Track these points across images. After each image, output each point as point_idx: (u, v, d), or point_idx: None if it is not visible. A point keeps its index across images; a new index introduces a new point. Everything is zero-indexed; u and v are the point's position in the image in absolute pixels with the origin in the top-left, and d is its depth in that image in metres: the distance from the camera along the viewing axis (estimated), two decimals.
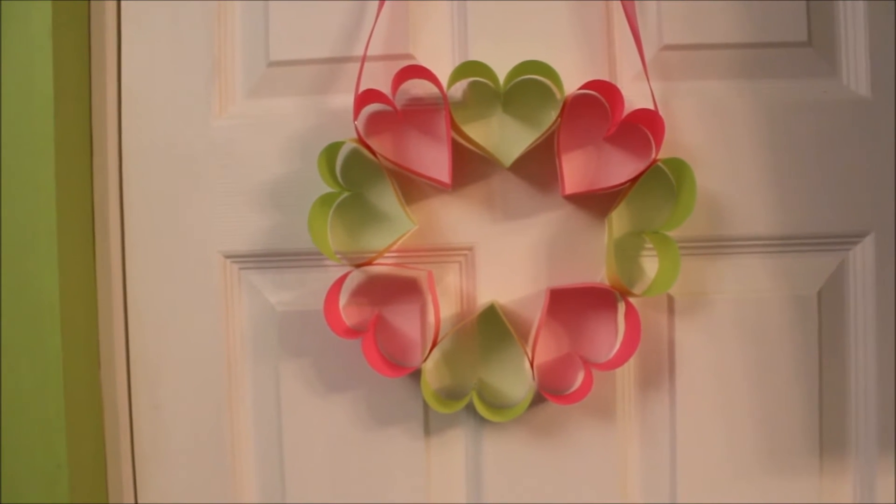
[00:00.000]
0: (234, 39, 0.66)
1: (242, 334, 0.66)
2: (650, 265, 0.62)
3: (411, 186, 0.64)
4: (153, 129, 0.66)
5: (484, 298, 0.64)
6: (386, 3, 0.62)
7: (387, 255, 0.63)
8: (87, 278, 0.66)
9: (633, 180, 0.59)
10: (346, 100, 0.62)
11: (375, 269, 0.64)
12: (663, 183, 0.61)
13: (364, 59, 0.60)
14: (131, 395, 0.67)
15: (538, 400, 0.63)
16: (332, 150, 0.59)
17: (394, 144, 0.63)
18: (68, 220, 0.63)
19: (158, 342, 0.66)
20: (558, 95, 0.61)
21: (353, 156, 0.63)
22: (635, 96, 0.61)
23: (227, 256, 0.65)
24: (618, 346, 0.62)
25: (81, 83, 0.66)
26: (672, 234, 0.58)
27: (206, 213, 0.65)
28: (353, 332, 0.62)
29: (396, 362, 0.64)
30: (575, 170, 0.62)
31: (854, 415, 0.63)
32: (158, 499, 0.67)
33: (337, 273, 0.61)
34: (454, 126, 0.61)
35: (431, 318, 0.63)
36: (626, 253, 0.62)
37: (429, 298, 0.63)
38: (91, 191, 0.66)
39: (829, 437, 0.63)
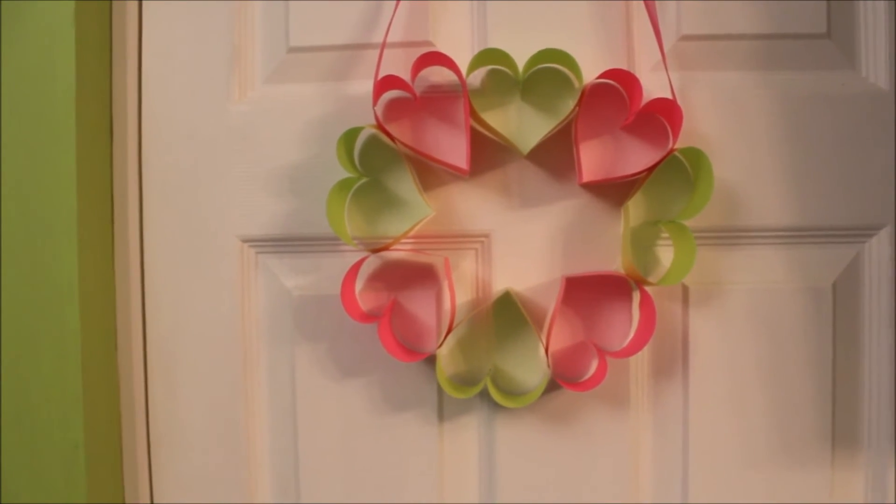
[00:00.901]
0: (254, 25, 0.66)
1: (258, 318, 0.66)
2: (665, 254, 0.62)
3: (429, 173, 0.64)
4: (173, 114, 0.66)
5: (499, 285, 0.64)
6: None
7: (403, 241, 0.63)
8: (105, 261, 0.66)
9: (650, 169, 0.59)
10: (366, 86, 0.62)
11: (392, 255, 0.64)
12: (680, 173, 0.61)
13: (384, 45, 0.60)
14: (147, 377, 0.68)
15: (552, 387, 0.63)
16: (350, 136, 0.59)
17: (412, 131, 0.63)
18: (88, 203, 0.63)
19: (175, 325, 0.67)
20: (576, 84, 0.61)
21: (372, 142, 0.63)
22: (653, 86, 0.61)
23: (245, 241, 0.66)
24: (632, 334, 0.62)
25: (102, 68, 0.66)
26: (688, 223, 0.58)
27: (224, 198, 0.65)
28: (369, 316, 0.62)
29: (411, 348, 0.64)
30: (592, 158, 0.62)
31: (867, 407, 0.63)
32: (173, 480, 0.68)
33: (353, 258, 0.61)
34: (472, 113, 0.61)
35: (447, 304, 0.63)
36: (642, 242, 0.62)
37: (445, 285, 0.63)
38: (111, 174, 0.67)
39: (841, 430, 0.63)
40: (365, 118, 0.62)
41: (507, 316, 0.63)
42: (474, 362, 0.64)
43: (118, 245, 0.67)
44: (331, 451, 0.66)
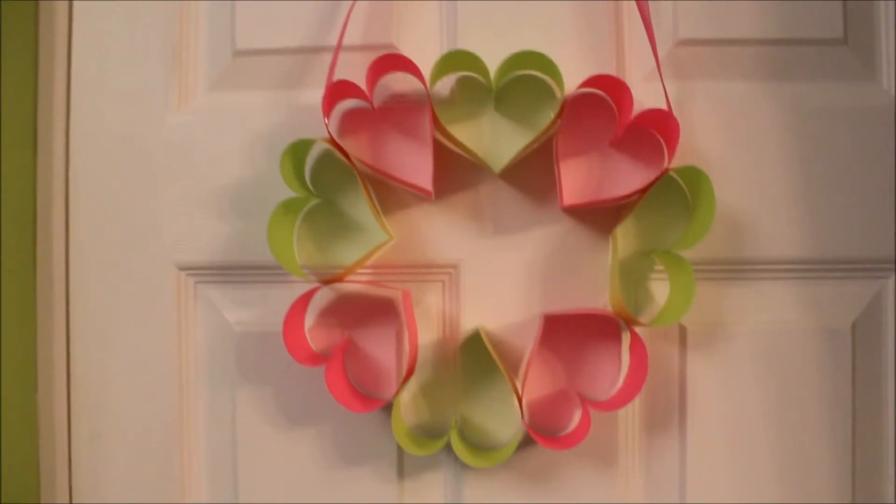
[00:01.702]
0: (196, 25, 0.61)
1: (196, 356, 0.61)
2: (660, 290, 0.57)
3: (389, 194, 0.59)
4: (104, 124, 0.61)
5: (469, 324, 0.59)
6: None
7: (359, 271, 0.58)
8: (24, 289, 0.61)
9: (642, 192, 0.54)
10: (320, 94, 0.57)
11: (347, 287, 0.58)
12: (676, 195, 0.57)
13: (338, 48, 0.55)
14: (70, 424, 0.62)
15: (527, 442, 0.57)
16: (298, 149, 0.54)
17: (370, 146, 0.58)
18: (6, 222, 0.59)
19: (102, 363, 0.61)
20: (558, 94, 0.56)
21: (325, 157, 0.58)
22: (646, 98, 0.56)
23: (182, 268, 0.61)
24: (621, 382, 0.57)
25: (26, 69, 0.61)
26: (686, 254, 0.53)
27: (159, 219, 0.61)
28: (318, 358, 0.56)
29: (367, 394, 0.58)
30: (576, 179, 0.57)
31: (893, 467, 0.58)
32: None
33: (304, 290, 0.56)
34: (438, 126, 0.55)
35: (408, 344, 0.58)
36: (633, 275, 0.58)
37: (405, 322, 0.58)
38: (34, 191, 0.62)
39: (862, 494, 0.58)
40: (319, 131, 0.57)
41: (476, 359, 0.58)
42: (439, 412, 0.59)
43: (40, 271, 0.62)
44: None
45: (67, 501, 0.62)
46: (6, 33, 0.58)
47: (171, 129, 0.60)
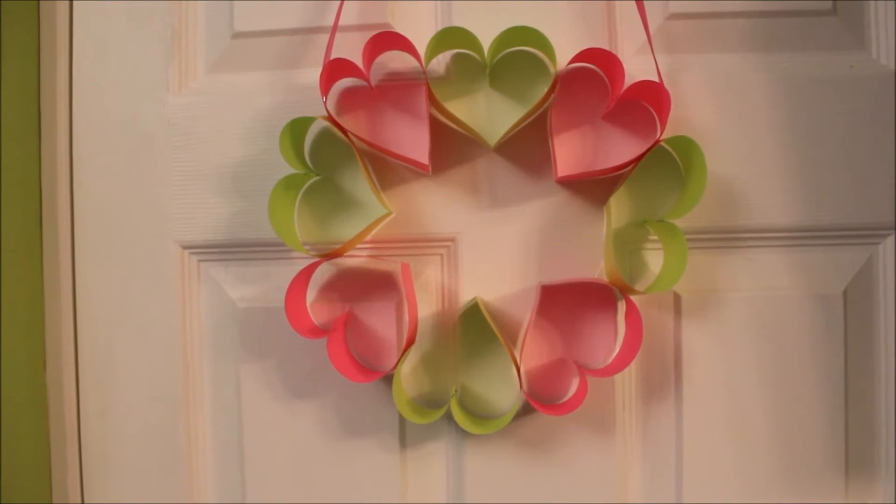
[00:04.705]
0: (195, 7, 0.61)
1: (201, 333, 0.61)
2: (654, 259, 0.57)
3: (387, 170, 0.59)
4: (106, 106, 0.61)
5: (467, 295, 0.59)
6: None
7: (359, 245, 0.58)
8: (32, 270, 0.61)
9: (635, 162, 0.54)
10: (317, 74, 0.57)
11: (347, 262, 0.59)
12: (669, 166, 0.56)
13: (335, 29, 0.55)
14: (79, 399, 0.62)
15: (526, 410, 0.58)
16: (297, 127, 0.54)
17: (368, 123, 0.58)
18: (11, 205, 0.59)
19: (109, 341, 0.62)
20: (551, 69, 0.56)
21: (324, 135, 0.58)
22: (638, 72, 0.56)
23: (185, 247, 0.61)
24: (617, 349, 0.57)
25: (28, 52, 0.61)
26: (679, 223, 0.53)
27: (162, 199, 0.61)
28: (320, 330, 0.57)
29: (368, 365, 0.58)
30: (569, 151, 0.57)
31: (884, 429, 0.58)
32: None
33: (305, 266, 0.56)
34: (435, 103, 0.56)
35: (408, 316, 0.58)
36: (627, 245, 0.57)
37: (405, 294, 0.58)
38: (39, 172, 0.62)
39: (855, 456, 0.58)
40: (317, 110, 0.57)
41: (475, 329, 0.58)
42: (439, 382, 0.59)
43: (47, 252, 0.62)
44: (280, 480, 0.60)
45: (78, 475, 0.62)
46: (8, 17, 0.58)
47: (171, 111, 0.60)
